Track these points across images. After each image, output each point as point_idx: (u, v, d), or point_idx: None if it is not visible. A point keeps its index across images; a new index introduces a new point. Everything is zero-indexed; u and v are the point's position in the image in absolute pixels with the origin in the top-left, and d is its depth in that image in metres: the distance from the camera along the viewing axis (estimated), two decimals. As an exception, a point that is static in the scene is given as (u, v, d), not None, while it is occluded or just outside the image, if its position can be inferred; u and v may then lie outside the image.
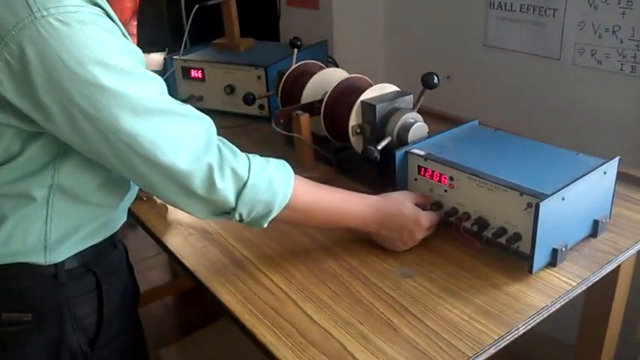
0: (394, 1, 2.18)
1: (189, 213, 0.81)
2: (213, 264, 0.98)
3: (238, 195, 0.79)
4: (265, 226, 0.86)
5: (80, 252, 0.83)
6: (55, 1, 0.65)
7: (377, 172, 1.15)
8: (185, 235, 1.07)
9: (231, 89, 1.58)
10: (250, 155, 0.84)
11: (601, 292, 1.14)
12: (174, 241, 1.06)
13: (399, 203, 0.96)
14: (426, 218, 0.96)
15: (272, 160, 0.86)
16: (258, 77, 1.54)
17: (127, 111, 0.69)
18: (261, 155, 0.86)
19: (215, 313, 2.16)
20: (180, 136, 0.74)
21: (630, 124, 1.57)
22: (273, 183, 0.83)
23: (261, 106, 1.56)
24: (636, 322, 1.46)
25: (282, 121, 1.20)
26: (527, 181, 0.91)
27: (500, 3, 1.80)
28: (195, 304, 2.28)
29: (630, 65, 1.52)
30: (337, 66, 1.68)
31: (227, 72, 1.58)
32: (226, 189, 0.78)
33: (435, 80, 1.07)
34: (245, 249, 1.01)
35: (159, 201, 1.16)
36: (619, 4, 1.50)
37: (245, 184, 0.79)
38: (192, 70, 1.62)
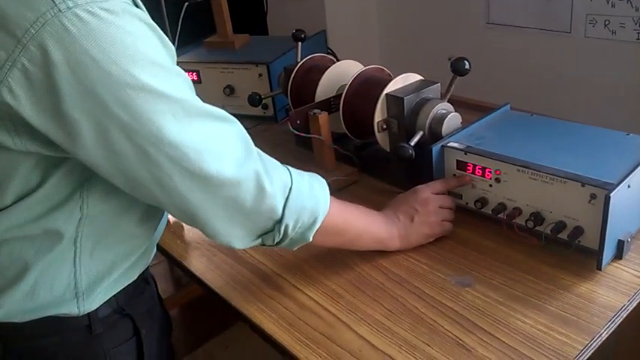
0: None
1: (226, 243, 0.70)
2: (244, 286, 0.88)
3: (285, 202, 0.70)
4: (311, 239, 0.76)
5: (114, 295, 0.73)
6: None
7: (406, 169, 1.07)
8: (208, 255, 0.98)
9: (230, 90, 1.48)
10: None
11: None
12: (198, 264, 0.96)
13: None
14: (424, 187, 0.93)
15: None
16: (260, 75, 1.44)
17: (170, 117, 0.58)
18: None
19: (224, 322, 2.08)
20: (220, 141, 0.64)
21: (651, 95, 1.52)
22: (314, 187, 0.75)
23: (264, 106, 1.46)
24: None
25: (298, 122, 1.10)
26: (585, 170, 0.83)
27: (502, -22, 1.72)
28: (202, 313, 2.19)
29: (648, 34, 1.46)
30: (336, 56, 1.58)
31: (225, 72, 1.48)
32: (275, 194, 0.68)
33: (467, 66, 0.98)
34: (275, 266, 0.92)
35: (172, 219, 1.06)
36: (633, -30, 1.43)
37: (291, 189, 0.70)
38: (186, 73, 1.51)
